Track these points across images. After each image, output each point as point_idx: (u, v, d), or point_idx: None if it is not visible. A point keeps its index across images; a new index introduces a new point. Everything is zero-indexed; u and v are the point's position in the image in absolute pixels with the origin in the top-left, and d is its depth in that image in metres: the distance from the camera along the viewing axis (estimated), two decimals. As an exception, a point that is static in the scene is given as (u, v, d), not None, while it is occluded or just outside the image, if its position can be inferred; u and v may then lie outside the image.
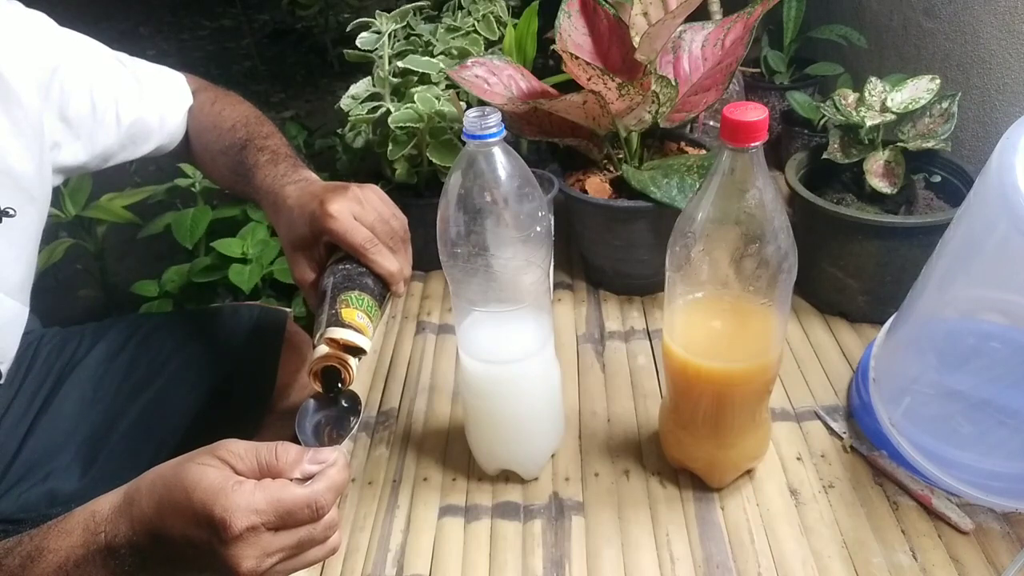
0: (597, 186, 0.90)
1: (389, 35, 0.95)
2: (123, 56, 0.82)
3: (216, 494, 0.44)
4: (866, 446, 0.70)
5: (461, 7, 1.11)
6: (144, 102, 0.80)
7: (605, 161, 0.93)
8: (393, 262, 0.64)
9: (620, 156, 0.90)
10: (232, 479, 0.45)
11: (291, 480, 0.47)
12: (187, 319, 0.97)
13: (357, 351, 0.57)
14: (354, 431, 0.56)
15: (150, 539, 0.46)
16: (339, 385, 0.56)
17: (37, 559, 0.47)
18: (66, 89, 0.73)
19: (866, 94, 0.84)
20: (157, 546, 0.46)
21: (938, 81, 0.81)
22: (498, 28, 1.06)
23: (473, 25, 1.05)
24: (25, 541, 0.48)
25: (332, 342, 0.56)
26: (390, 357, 0.87)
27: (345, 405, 0.56)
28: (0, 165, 0.67)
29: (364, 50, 0.95)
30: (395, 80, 0.96)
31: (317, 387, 0.57)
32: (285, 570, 0.48)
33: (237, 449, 0.47)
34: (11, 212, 0.69)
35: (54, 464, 0.81)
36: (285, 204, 0.68)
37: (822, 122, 0.91)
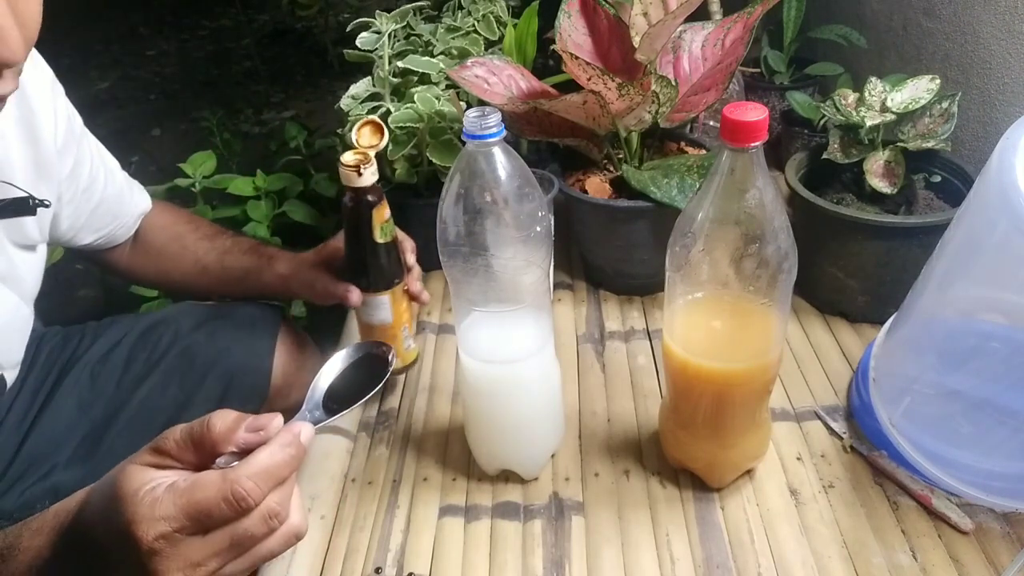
0: (597, 186, 0.90)
1: (389, 35, 0.95)
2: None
3: (127, 503, 0.41)
4: (866, 446, 0.70)
5: (461, 7, 1.11)
6: (120, 188, 0.88)
7: (605, 161, 0.93)
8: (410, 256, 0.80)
9: (620, 156, 0.90)
10: (148, 484, 0.41)
11: (227, 453, 0.43)
12: (184, 314, 0.97)
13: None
14: (380, 386, 0.53)
15: (98, 545, 0.43)
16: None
17: (9, 557, 0.46)
18: (75, 158, 0.80)
19: (866, 94, 0.84)
20: (104, 553, 0.43)
21: (938, 81, 0.81)
22: (498, 28, 1.06)
23: (473, 25, 1.05)
24: (0, 538, 0.47)
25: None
26: (390, 357, 0.87)
27: (375, 366, 0.54)
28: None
29: (364, 50, 0.95)
30: (395, 80, 0.96)
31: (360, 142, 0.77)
32: (235, 571, 0.43)
33: (174, 434, 0.43)
34: (47, 203, 0.75)
35: (55, 460, 0.81)
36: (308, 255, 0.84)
37: (822, 122, 0.91)
